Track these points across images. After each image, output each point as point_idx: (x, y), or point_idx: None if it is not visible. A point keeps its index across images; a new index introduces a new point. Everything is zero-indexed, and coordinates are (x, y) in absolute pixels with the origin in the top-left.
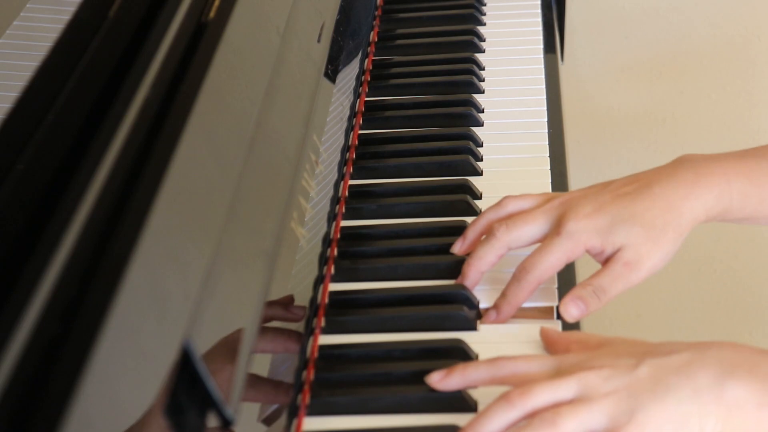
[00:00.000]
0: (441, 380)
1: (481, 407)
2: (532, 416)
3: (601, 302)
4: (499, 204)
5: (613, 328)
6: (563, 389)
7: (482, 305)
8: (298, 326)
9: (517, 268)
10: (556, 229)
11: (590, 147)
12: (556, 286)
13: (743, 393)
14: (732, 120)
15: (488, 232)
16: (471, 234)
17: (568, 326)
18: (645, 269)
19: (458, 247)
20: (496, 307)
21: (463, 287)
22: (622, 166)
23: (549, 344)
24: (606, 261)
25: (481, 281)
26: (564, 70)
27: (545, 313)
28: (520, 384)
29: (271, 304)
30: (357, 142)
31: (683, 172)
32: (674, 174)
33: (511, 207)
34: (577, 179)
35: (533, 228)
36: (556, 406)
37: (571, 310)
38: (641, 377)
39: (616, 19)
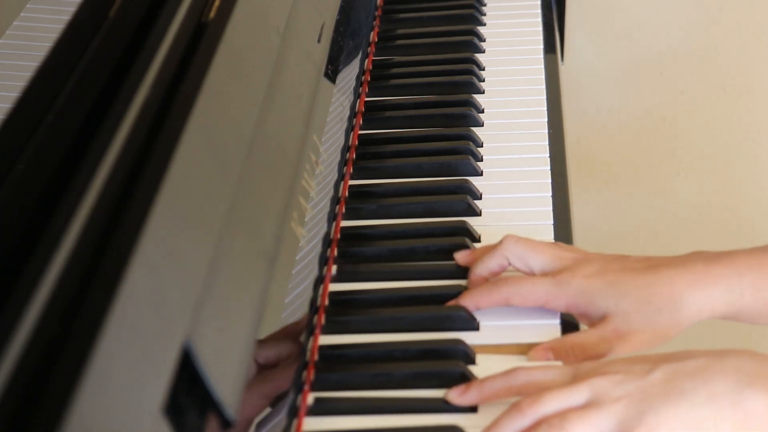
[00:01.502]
0: (460, 396)
1: (481, 408)
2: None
3: (575, 359)
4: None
5: None
6: (575, 396)
7: None
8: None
9: (500, 277)
10: (553, 273)
11: (590, 147)
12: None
13: (762, 403)
14: (732, 120)
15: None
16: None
17: (569, 327)
18: (632, 342)
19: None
20: (461, 298)
21: (464, 288)
22: (622, 166)
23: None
24: (593, 326)
25: None
26: (564, 70)
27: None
28: (535, 393)
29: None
30: (357, 143)
31: (694, 263)
32: (685, 263)
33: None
34: (577, 179)
35: (537, 260)
36: (565, 412)
37: (538, 358)
38: (655, 381)
39: (616, 19)
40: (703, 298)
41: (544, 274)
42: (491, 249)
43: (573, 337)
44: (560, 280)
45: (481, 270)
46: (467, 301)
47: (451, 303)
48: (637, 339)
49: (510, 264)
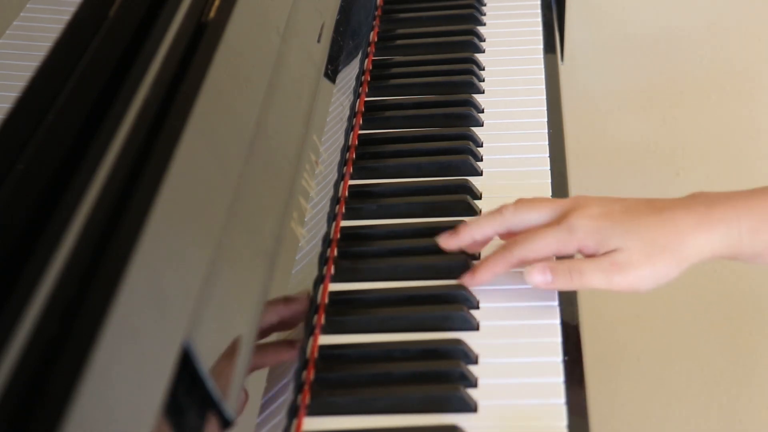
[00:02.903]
0: (449, 238)
1: (481, 409)
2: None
3: (571, 282)
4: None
5: (612, 327)
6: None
7: (483, 305)
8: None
9: (508, 240)
10: (558, 220)
11: (590, 147)
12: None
13: (703, 242)
14: (732, 120)
15: (495, 210)
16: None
17: (569, 326)
18: (630, 278)
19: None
20: (473, 270)
21: (463, 287)
22: (622, 166)
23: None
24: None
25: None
26: (564, 70)
27: None
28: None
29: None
30: (357, 142)
31: (696, 205)
32: (687, 205)
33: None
34: (577, 179)
35: (538, 215)
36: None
37: (535, 275)
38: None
39: (616, 19)
40: (704, 241)
41: (549, 223)
42: (488, 213)
43: (572, 263)
44: (569, 225)
45: (475, 233)
46: (483, 272)
47: (466, 277)
48: (635, 275)
49: (509, 231)
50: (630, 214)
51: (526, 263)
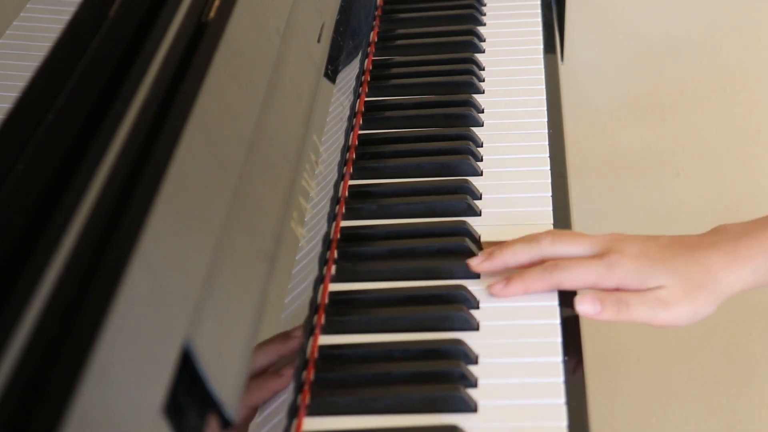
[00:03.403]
0: (482, 263)
1: (481, 409)
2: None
3: (618, 314)
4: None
5: (612, 327)
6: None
7: (483, 305)
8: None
9: (549, 263)
10: (599, 255)
11: (590, 147)
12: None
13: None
14: (732, 120)
15: (531, 238)
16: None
17: (569, 326)
18: (673, 314)
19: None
20: (508, 279)
21: (464, 288)
22: (622, 166)
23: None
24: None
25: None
26: (564, 70)
27: None
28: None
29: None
30: (357, 143)
31: (723, 243)
32: (715, 244)
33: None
34: (577, 179)
35: (578, 249)
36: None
37: (585, 305)
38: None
39: (616, 19)
40: (735, 278)
41: (591, 256)
42: (524, 241)
43: (621, 296)
44: (610, 262)
45: (509, 259)
46: (517, 284)
47: (498, 286)
48: (677, 311)
49: (543, 258)
50: (667, 252)
51: (560, 288)
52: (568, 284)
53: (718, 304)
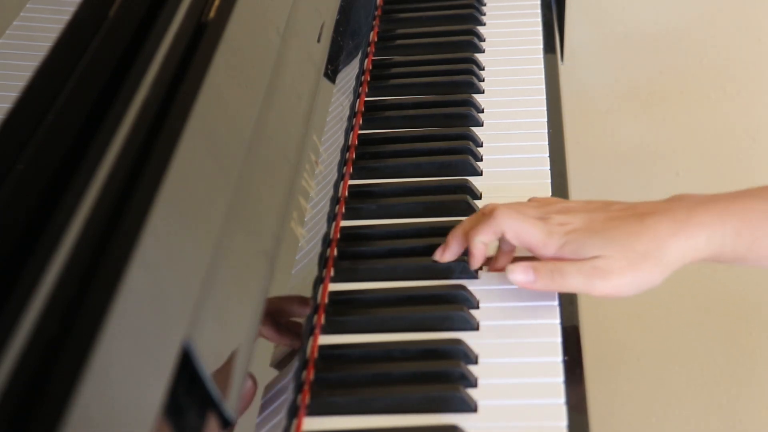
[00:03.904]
0: (441, 254)
1: (481, 409)
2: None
3: (552, 283)
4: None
5: (612, 327)
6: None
7: (483, 305)
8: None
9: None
10: (543, 216)
11: (590, 146)
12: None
13: (682, 246)
14: (732, 120)
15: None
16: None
17: (569, 326)
18: (611, 284)
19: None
20: (445, 244)
21: (464, 288)
22: (622, 166)
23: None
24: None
25: (485, 282)
26: (564, 70)
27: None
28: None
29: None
30: (357, 142)
31: (677, 209)
32: (668, 210)
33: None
34: (576, 179)
35: (525, 209)
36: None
37: (518, 274)
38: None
39: (616, 19)
40: (686, 246)
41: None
42: (479, 221)
43: (555, 264)
44: (550, 229)
45: (476, 243)
46: (454, 243)
47: (438, 250)
48: (617, 280)
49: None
50: (611, 222)
51: (503, 235)
52: (510, 233)
53: (666, 274)
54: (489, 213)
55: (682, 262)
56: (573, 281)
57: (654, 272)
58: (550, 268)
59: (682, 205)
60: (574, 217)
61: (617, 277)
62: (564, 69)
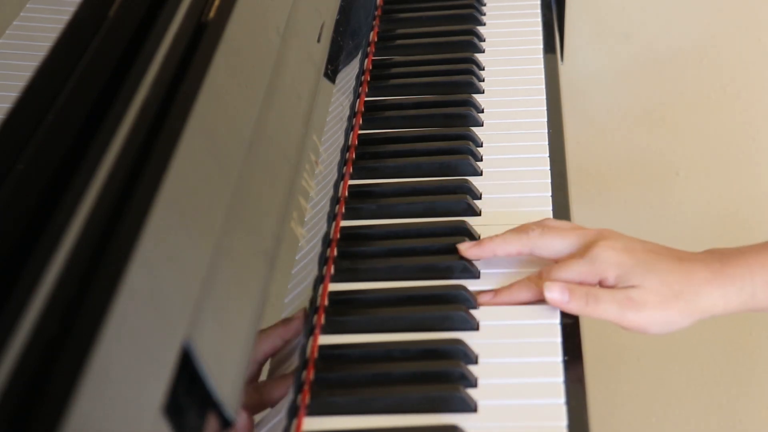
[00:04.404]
0: (470, 248)
1: (481, 409)
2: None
3: (586, 307)
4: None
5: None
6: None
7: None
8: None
9: (535, 274)
10: (581, 252)
11: (590, 147)
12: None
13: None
14: (732, 120)
15: (522, 229)
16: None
17: (569, 326)
18: (643, 317)
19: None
20: (497, 292)
21: (463, 288)
22: (622, 166)
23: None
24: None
25: (485, 282)
26: (564, 70)
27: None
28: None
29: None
30: (357, 142)
31: (711, 261)
32: (703, 260)
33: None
34: (576, 180)
35: (562, 243)
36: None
37: (553, 293)
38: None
39: (616, 19)
40: (718, 296)
41: (573, 255)
42: (515, 232)
43: (591, 289)
44: (592, 256)
45: (499, 249)
46: (506, 297)
47: (487, 296)
48: (648, 315)
49: (532, 253)
50: (652, 254)
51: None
52: (611, 276)
53: (694, 319)
54: (589, 254)
55: (711, 312)
56: (606, 308)
57: (684, 314)
58: (586, 292)
59: (715, 257)
60: (616, 242)
61: (649, 312)
62: (564, 69)
